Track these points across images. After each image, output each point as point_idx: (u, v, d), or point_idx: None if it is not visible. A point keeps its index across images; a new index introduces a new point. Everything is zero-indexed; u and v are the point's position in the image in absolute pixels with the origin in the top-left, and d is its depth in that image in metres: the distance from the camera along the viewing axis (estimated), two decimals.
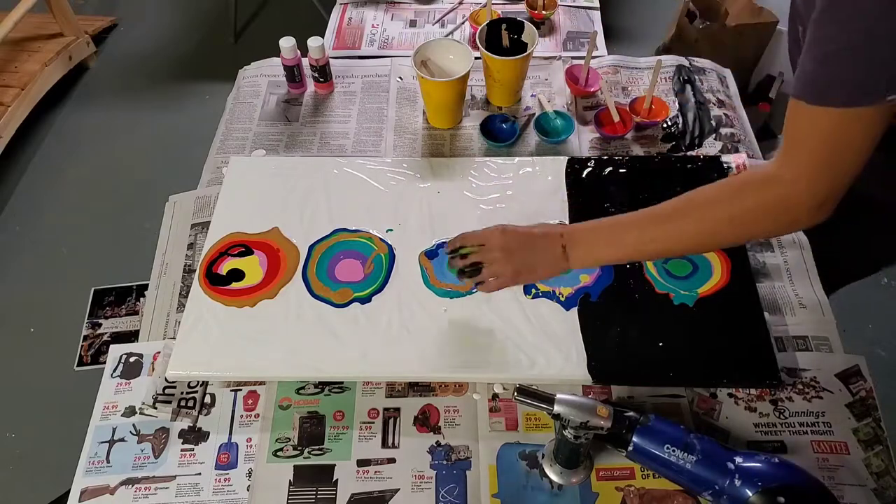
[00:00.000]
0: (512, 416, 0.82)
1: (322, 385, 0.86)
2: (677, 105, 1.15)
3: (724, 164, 1.03)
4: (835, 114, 0.60)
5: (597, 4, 1.43)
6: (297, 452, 0.80)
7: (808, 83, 0.62)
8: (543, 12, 1.35)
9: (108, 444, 0.82)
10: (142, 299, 1.79)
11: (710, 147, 1.09)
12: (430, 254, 0.95)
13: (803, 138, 0.65)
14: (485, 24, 1.12)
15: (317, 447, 0.81)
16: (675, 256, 0.77)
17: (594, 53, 1.31)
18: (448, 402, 0.84)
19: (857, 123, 0.61)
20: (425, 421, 0.82)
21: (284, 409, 0.84)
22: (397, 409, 0.84)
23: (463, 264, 0.83)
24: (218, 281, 0.92)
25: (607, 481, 0.77)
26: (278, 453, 0.80)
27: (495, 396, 0.84)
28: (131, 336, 1.54)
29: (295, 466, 0.79)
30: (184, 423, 0.84)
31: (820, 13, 0.58)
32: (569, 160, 1.05)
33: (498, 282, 0.82)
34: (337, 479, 0.78)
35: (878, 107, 0.59)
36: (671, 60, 1.23)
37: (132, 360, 0.89)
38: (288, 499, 0.77)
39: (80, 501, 0.78)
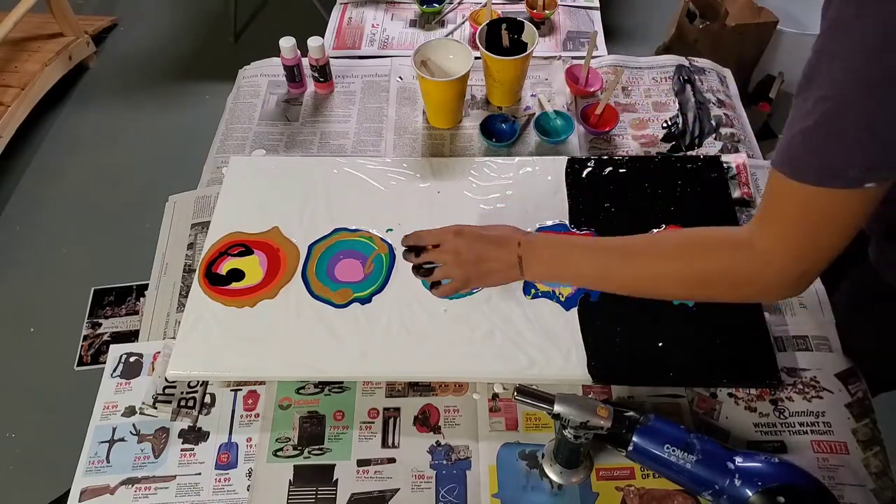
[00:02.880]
0: (512, 416, 0.82)
1: (322, 385, 0.86)
2: (677, 105, 1.15)
3: (724, 164, 1.03)
4: (810, 191, 0.57)
5: (597, 4, 1.43)
6: (297, 452, 0.80)
7: (784, 156, 0.58)
8: (544, 12, 1.35)
9: (108, 444, 0.82)
10: (142, 299, 1.79)
11: (710, 147, 1.10)
12: None
13: (781, 210, 0.62)
14: (485, 23, 1.12)
15: (317, 447, 0.81)
16: (632, 296, 0.74)
17: (594, 53, 1.31)
18: (448, 401, 0.84)
19: (834, 203, 0.57)
20: (425, 421, 0.83)
21: (284, 408, 0.84)
22: (397, 409, 0.84)
23: (416, 262, 0.83)
24: (218, 281, 0.92)
25: (607, 481, 0.77)
26: (278, 453, 0.80)
27: (495, 396, 0.84)
28: (131, 336, 1.53)
29: (295, 466, 0.79)
30: (184, 423, 0.84)
31: (799, 87, 0.55)
32: (569, 160, 1.05)
33: (450, 286, 0.82)
34: (337, 479, 0.78)
35: (857, 191, 0.54)
36: (671, 60, 1.23)
37: (132, 359, 0.89)
38: (288, 499, 0.77)
39: (80, 501, 0.78)
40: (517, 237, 0.79)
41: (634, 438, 0.71)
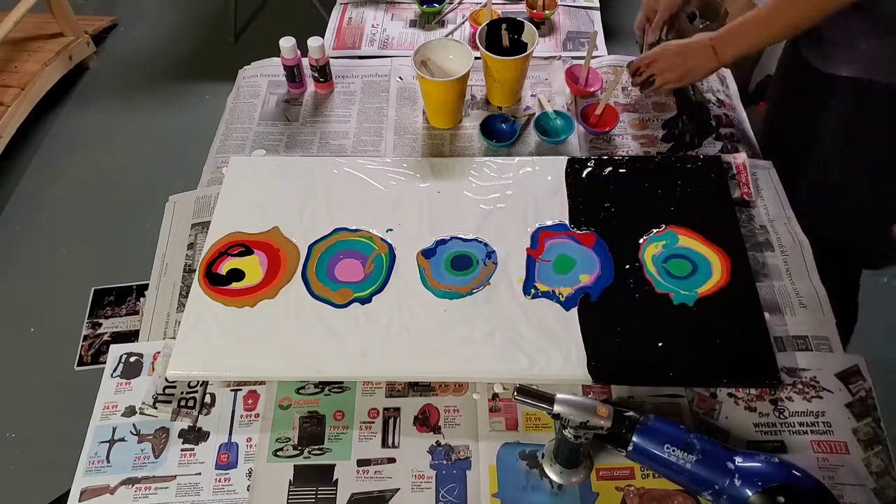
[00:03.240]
0: (512, 416, 0.82)
1: (322, 385, 0.86)
2: (677, 105, 1.15)
3: (724, 164, 1.03)
4: None
5: (597, 4, 1.43)
6: (297, 452, 0.80)
7: None
8: (544, 12, 1.35)
9: (108, 444, 0.82)
10: (142, 299, 1.78)
11: (710, 147, 1.10)
12: (427, 253, 0.94)
13: None
14: (485, 24, 1.12)
15: (317, 447, 0.81)
16: (804, 27, 0.94)
17: (594, 53, 1.31)
18: (448, 401, 0.84)
19: None
20: (425, 421, 0.82)
21: (284, 408, 0.84)
22: (397, 409, 0.84)
23: (640, 80, 1.10)
24: (218, 281, 0.92)
25: (607, 481, 0.77)
26: (278, 453, 0.80)
27: (495, 396, 0.84)
28: (131, 336, 1.53)
29: (295, 466, 0.79)
30: (184, 423, 0.84)
31: None
32: (569, 160, 1.05)
33: (667, 86, 1.08)
34: (337, 479, 0.78)
35: None
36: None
37: (132, 359, 0.89)
38: (288, 499, 0.77)
39: (80, 501, 0.78)
40: (706, 37, 1.02)
41: (634, 438, 0.71)
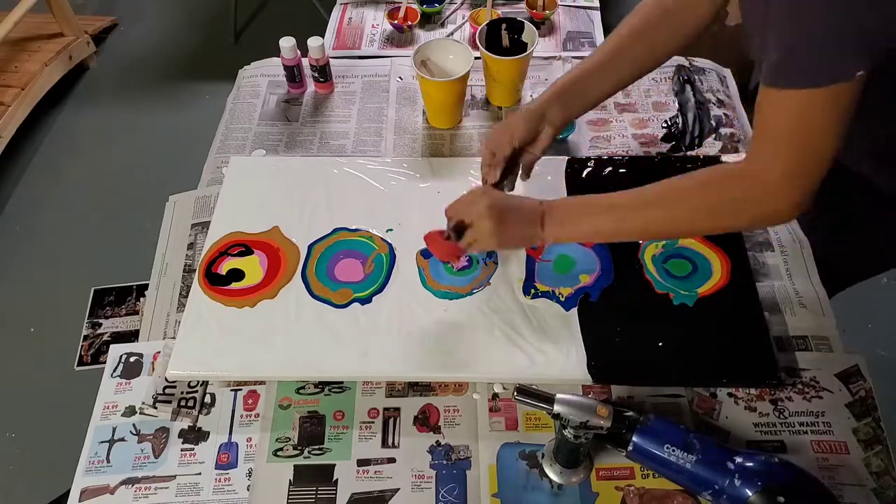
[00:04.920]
0: (512, 416, 0.82)
1: (322, 385, 0.86)
2: (677, 105, 1.15)
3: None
4: (801, 95, 0.62)
5: (597, 4, 1.43)
6: (297, 452, 0.80)
7: (773, 70, 0.63)
8: (544, 12, 1.35)
9: (108, 444, 0.82)
10: (142, 299, 1.78)
11: (710, 147, 1.09)
12: (427, 253, 0.95)
13: (772, 126, 0.66)
14: (485, 24, 1.12)
15: (317, 447, 0.81)
16: (649, 240, 0.84)
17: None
18: (448, 401, 0.84)
19: (824, 104, 0.62)
20: (425, 421, 0.82)
21: (284, 408, 0.84)
22: (397, 409, 0.83)
23: (451, 227, 0.83)
24: (218, 281, 0.92)
25: (607, 481, 0.77)
26: (278, 453, 0.80)
27: (495, 396, 0.84)
28: (131, 336, 1.53)
29: (295, 466, 0.79)
30: (184, 423, 0.84)
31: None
32: (569, 160, 1.05)
33: (478, 244, 0.82)
34: (337, 479, 0.78)
35: (846, 85, 0.60)
36: (671, 60, 1.22)
37: (132, 359, 0.89)
38: (288, 499, 0.77)
39: (80, 501, 0.78)
40: (537, 202, 0.81)
41: (634, 438, 0.71)
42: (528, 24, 1.11)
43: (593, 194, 0.80)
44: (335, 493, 0.77)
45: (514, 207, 0.81)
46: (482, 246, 0.82)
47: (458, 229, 0.81)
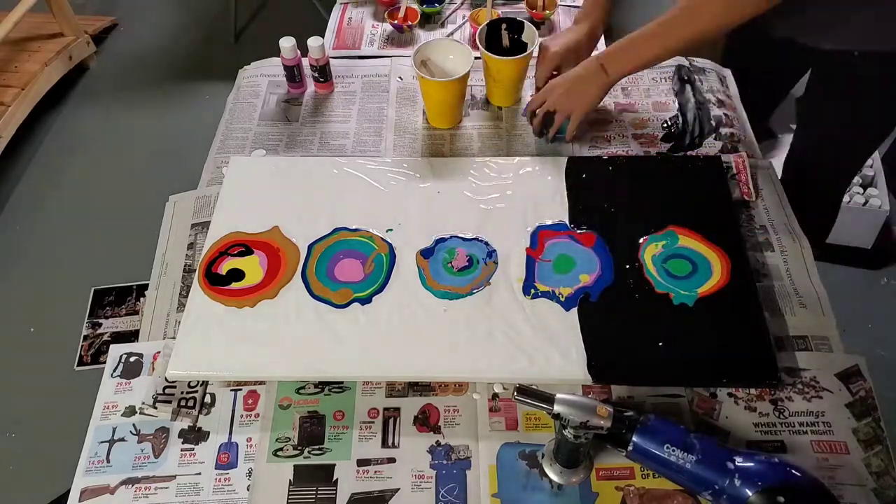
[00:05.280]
0: (512, 416, 0.82)
1: (322, 385, 0.86)
2: (677, 105, 1.15)
3: (724, 164, 1.03)
4: None
5: None
6: (297, 452, 0.80)
7: None
8: (544, 12, 1.35)
9: (108, 444, 0.82)
10: (142, 299, 1.78)
11: (710, 147, 1.09)
12: (426, 253, 0.94)
13: None
14: (485, 24, 1.12)
15: (317, 447, 0.81)
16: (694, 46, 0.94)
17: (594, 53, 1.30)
18: (448, 401, 0.84)
19: None
20: (425, 421, 0.82)
21: (284, 408, 0.84)
22: (397, 409, 0.84)
23: (537, 123, 1.05)
24: (218, 281, 0.92)
25: (607, 481, 0.77)
26: (278, 453, 0.80)
27: (495, 396, 0.84)
28: (131, 336, 1.53)
29: (295, 466, 0.79)
30: (184, 423, 0.84)
31: None
32: (569, 160, 1.05)
33: (573, 121, 1.03)
34: (337, 479, 0.78)
35: None
36: (671, 60, 1.22)
37: (132, 359, 0.89)
38: (288, 499, 0.77)
39: (80, 501, 0.78)
40: (595, 56, 0.99)
41: (634, 438, 0.71)
42: (528, 24, 1.11)
43: (634, 33, 0.96)
44: (335, 493, 0.77)
45: (575, 75, 1.00)
46: (576, 115, 1.03)
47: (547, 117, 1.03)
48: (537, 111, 1.05)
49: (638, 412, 0.73)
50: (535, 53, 1.13)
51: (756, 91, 1.19)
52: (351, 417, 0.83)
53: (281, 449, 0.81)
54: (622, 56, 0.96)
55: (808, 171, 1.20)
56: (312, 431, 0.82)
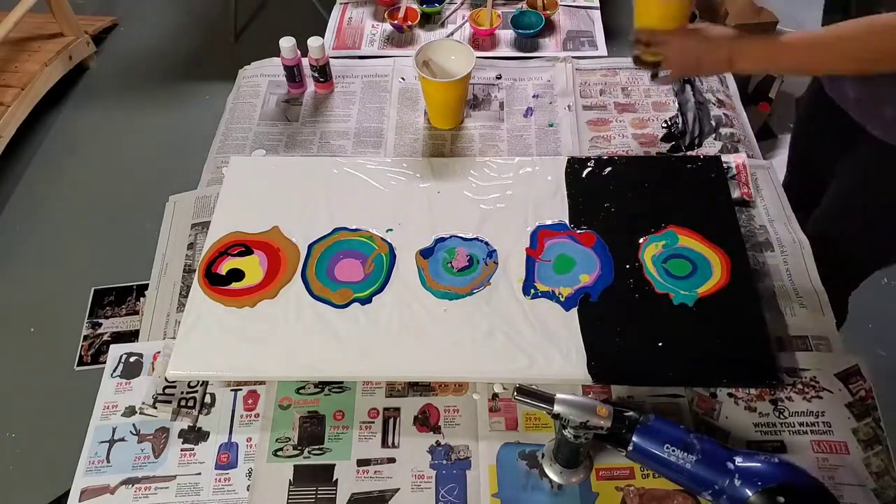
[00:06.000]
0: (512, 416, 0.82)
1: (322, 385, 0.86)
2: (677, 105, 1.15)
3: (724, 164, 1.03)
4: None
5: (597, 4, 1.43)
6: (297, 452, 0.80)
7: None
8: (546, 12, 1.35)
9: (108, 444, 0.82)
10: (142, 299, 1.78)
11: (710, 147, 1.10)
12: (426, 252, 0.94)
13: None
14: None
15: (317, 447, 0.81)
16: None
17: (594, 53, 1.31)
18: (448, 401, 0.84)
19: None
20: (425, 421, 0.82)
21: (284, 408, 0.84)
22: (397, 409, 0.84)
23: (649, 61, 0.98)
24: (218, 281, 0.92)
25: (607, 481, 0.77)
26: (278, 453, 0.80)
27: (495, 396, 0.84)
28: (131, 336, 1.53)
29: (295, 466, 0.79)
30: (184, 423, 0.84)
31: None
32: (569, 160, 1.05)
33: (669, 76, 1.00)
34: (337, 479, 0.78)
35: None
36: None
37: (132, 359, 0.89)
38: (288, 498, 0.77)
39: (80, 501, 0.78)
40: (726, 41, 0.90)
41: (634, 438, 0.71)
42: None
43: (773, 36, 0.87)
44: (335, 493, 0.77)
45: (697, 51, 0.93)
46: (674, 75, 1.00)
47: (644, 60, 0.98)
48: (640, 53, 0.98)
49: (638, 412, 0.73)
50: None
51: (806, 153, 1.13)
52: (351, 417, 0.83)
53: (281, 449, 0.81)
54: (756, 56, 0.89)
55: (843, 253, 1.05)
56: (312, 431, 0.82)
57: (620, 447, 0.73)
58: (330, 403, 0.84)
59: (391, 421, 0.83)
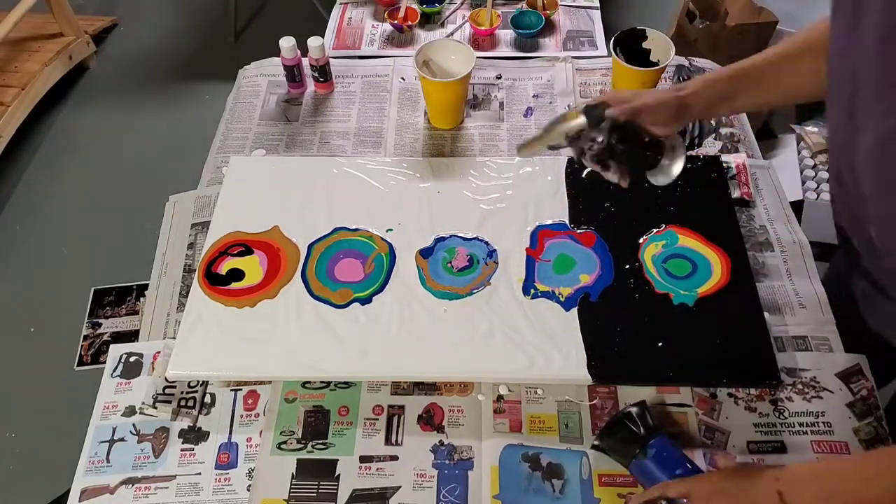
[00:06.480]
0: (516, 418, 0.82)
1: (328, 380, 0.86)
2: None
3: (724, 164, 1.03)
4: None
5: (597, 4, 1.43)
6: (300, 446, 0.81)
7: None
8: (546, 12, 1.35)
9: (108, 444, 0.82)
10: (142, 299, 1.78)
11: (710, 147, 1.10)
12: (426, 252, 0.94)
13: None
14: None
15: (320, 442, 0.81)
16: None
17: (594, 53, 1.31)
18: (452, 401, 0.84)
19: None
20: (429, 420, 0.82)
21: (290, 402, 0.84)
22: (402, 407, 0.84)
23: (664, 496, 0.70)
24: (218, 281, 0.92)
25: (609, 487, 0.77)
26: (282, 446, 0.80)
27: (500, 398, 0.84)
28: (131, 336, 1.53)
29: (298, 460, 0.79)
30: (184, 423, 0.84)
31: None
32: (569, 160, 1.05)
33: None
34: (339, 475, 0.78)
35: None
36: (671, 60, 1.22)
37: (132, 359, 0.89)
38: (290, 492, 0.77)
39: (80, 501, 0.78)
40: (771, 473, 0.66)
41: (634, 465, 0.72)
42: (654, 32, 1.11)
43: (830, 464, 0.70)
44: (337, 489, 0.77)
45: (747, 489, 0.66)
46: None
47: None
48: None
49: (647, 432, 0.73)
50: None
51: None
52: (355, 414, 0.83)
53: (285, 442, 0.81)
54: (808, 489, 0.64)
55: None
56: (316, 426, 0.82)
57: (624, 462, 0.73)
58: (335, 399, 0.84)
59: (395, 419, 0.83)
